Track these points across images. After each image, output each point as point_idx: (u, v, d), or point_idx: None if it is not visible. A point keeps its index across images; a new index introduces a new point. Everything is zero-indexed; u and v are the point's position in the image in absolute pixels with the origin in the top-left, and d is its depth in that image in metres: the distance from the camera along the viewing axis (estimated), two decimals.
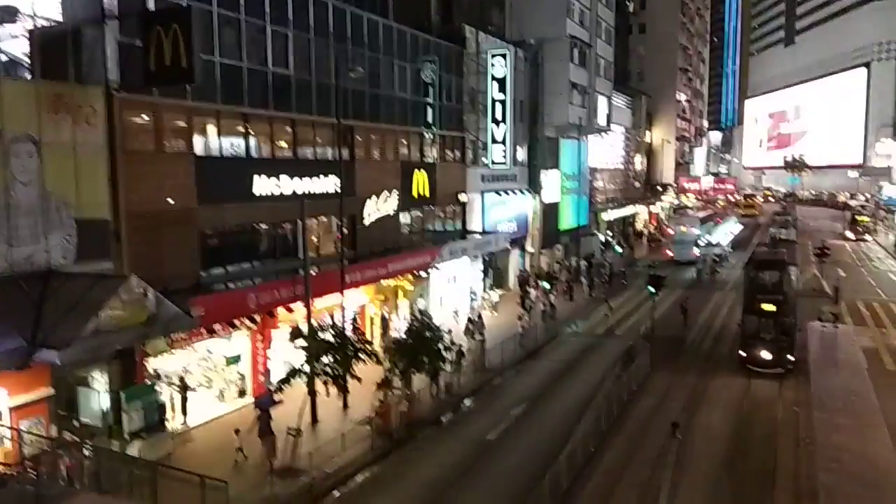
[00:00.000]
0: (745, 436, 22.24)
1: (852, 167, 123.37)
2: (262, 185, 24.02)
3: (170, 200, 20.91)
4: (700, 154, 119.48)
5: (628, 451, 20.99)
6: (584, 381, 27.50)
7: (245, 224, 24.19)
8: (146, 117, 20.73)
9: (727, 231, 74.36)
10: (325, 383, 21.18)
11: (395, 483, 19.23)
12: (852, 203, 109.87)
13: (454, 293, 36.42)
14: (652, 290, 32.16)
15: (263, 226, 25.09)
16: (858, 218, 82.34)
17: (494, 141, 40.98)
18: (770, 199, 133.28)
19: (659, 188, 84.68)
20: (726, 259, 58.54)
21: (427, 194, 34.13)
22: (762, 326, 27.55)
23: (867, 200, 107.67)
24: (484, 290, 39.90)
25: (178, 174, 21.30)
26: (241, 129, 23.84)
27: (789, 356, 27.08)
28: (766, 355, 27.14)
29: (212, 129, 22.85)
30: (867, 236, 77.42)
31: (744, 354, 27.90)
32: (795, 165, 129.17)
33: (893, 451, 18.44)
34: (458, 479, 19.29)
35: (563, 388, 26.89)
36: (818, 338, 29.93)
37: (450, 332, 25.91)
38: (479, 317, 33.03)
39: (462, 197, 37.56)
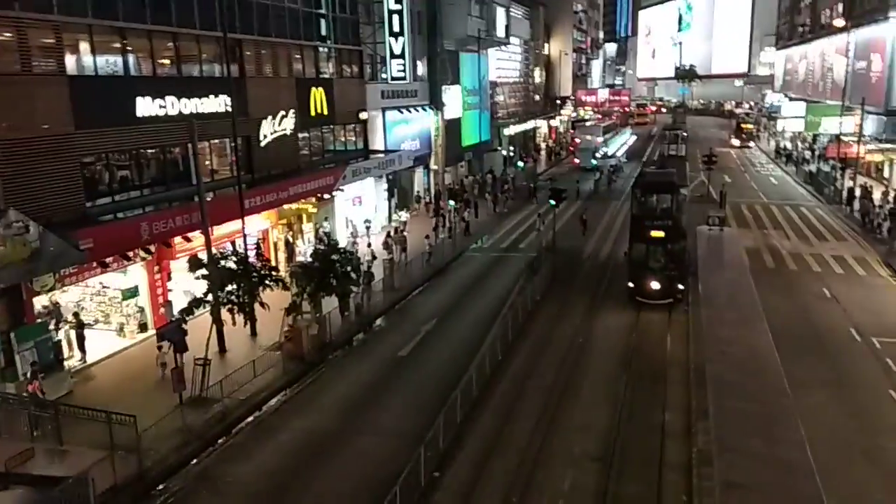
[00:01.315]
0: (643, 331, 23.62)
1: (738, 76, 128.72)
2: (146, 107, 22.46)
3: (44, 126, 19.25)
4: (597, 66, 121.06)
5: (533, 358, 21.91)
6: (490, 295, 28.22)
7: (131, 149, 22.69)
8: (9, 34, 18.71)
9: (622, 142, 76.67)
10: (231, 312, 20.73)
11: (309, 405, 19.36)
12: (738, 111, 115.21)
13: (360, 214, 36.03)
14: (553, 202, 32.93)
15: (151, 151, 23.63)
16: (743, 126, 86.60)
17: (393, 55, 39.83)
18: (662, 109, 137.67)
19: (558, 101, 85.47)
20: (621, 170, 60.64)
21: (325, 113, 33.02)
22: (650, 255, 25.54)
23: (751, 108, 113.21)
24: (394, 210, 39.80)
25: (50, 97, 19.56)
26: (117, 45, 21.99)
27: (680, 285, 25.51)
28: (655, 285, 25.27)
29: (85, 47, 20.96)
30: (751, 143, 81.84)
31: (632, 285, 25.98)
32: (685, 76, 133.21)
33: (771, 341, 20.14)
34: (372, 396, 19.63)
35: (471, 303, 27.52)
36: (706, 240, 31.82)
37: (356, 251, 25.73)
38: (398, 230, 33.36)
39: (362, 115, 36.61)
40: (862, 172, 45.71)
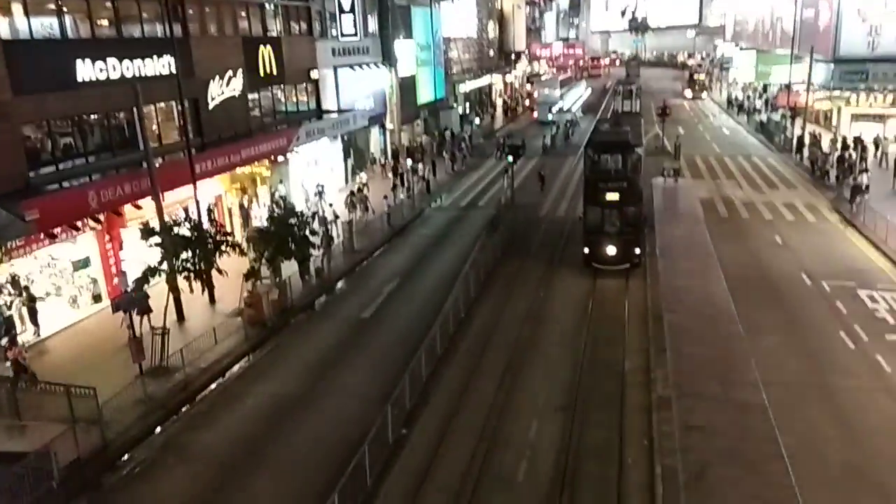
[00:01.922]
0: (603, 285, 23.98)
1: (690, 27, 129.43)
2: (87, 70, 21.53)
3: None
4: (550, 19, 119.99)
5: (496, 313, 22.09)
6: (451, 253, 28.25)
7: (73, 115, 21.83)
8: None
9: (577, 96, 76.76)
10: (188, 279, 20.34)
11: (274, 369, 19.25)
12: (690, 63, 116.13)
13: (316, 176, 35.45)
14: (510, 159, 32.91)
15: (95, 116, 22.77)
16: (696, 77, 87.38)
17: (342, 10, 38.77)
18: (616, 62, 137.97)
19: (512, 56, 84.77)
20: (577, 124, 60.78)
21: (275, 72, 32.14)
22: (606, 218, 24.21)
23: (703, 59, 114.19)
24: (350, 171, 39.33)
25: None
26: (51, 6, 20.93)
27: (636, 249, 24.45)
28: (610, 250, 24.19)
29: (17, 8, 19.91)
30: (703, 94, 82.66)
31: (587, 251, 24.70)
32: (638, 28, 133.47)
33: (726, 288, 20.67)
34: (337, 358, 19.60)
35: (433, 262, 27.52)
36: (661, 192, 32.29)
37: (314, 215, 25.40)
38: (360, 190, 33.06)
39: (314, 73, 35.76)
40: (811, 121, 46.65)
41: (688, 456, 13.03)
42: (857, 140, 37.57)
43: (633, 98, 54.82)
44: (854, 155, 36.13)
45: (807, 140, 43.28)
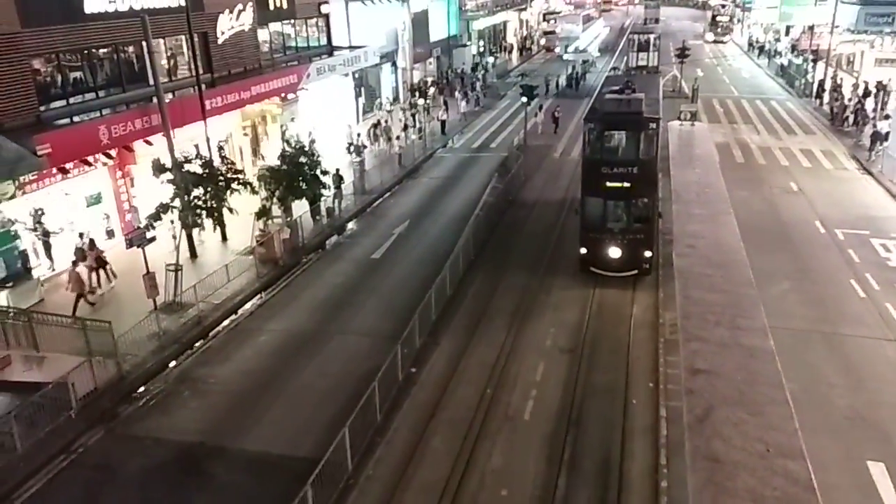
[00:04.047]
0: None
1: None
2: (95, 2, 21.13)
3: None
4: None
5: (503, 257, 22.13)
6: (463, 195, 28.12)
7: (82, 49, 21.54)
8: None
9: (594, 35, 74.97)
10: (200, 216, 20.40)
11: (285, 307, 19.49)
12: (713, 2, 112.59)
13: (327, 114, 35.08)
14: (525, 99, 32.38)
15: (104, 50, 22.47)
16: (718, 18, 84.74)
17: None
18: (635, 1, 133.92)
19: None
20: (594, 64, 59.52)
21: (285, 5, 31.46)
22: (609, 213, 19.55)
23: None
24: (363, 110, 38.94)
25: None
26: None
27: (647, 252, 19.57)
28: (614, 253, 19.49)
29: None
30: (725, 38, 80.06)
31: (584, 252, 19.94)
32: None
33: (738, 235, 20.52)
34: (347, 298, 19.79)
35: (443, 204, 27.43)
36: (677, 136, 31.78)
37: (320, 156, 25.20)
38: (359, 135, 32.85)
39: (324, 8, 34.98)
40: (832, 65, 45.46)
41: (693, 399, 13.20)
42: (880, 85, 36.65)
43: (651, 50, 45.96)
44: (875, 101, 35.32)
45: (828, 85, 42.26)
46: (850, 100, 38.66)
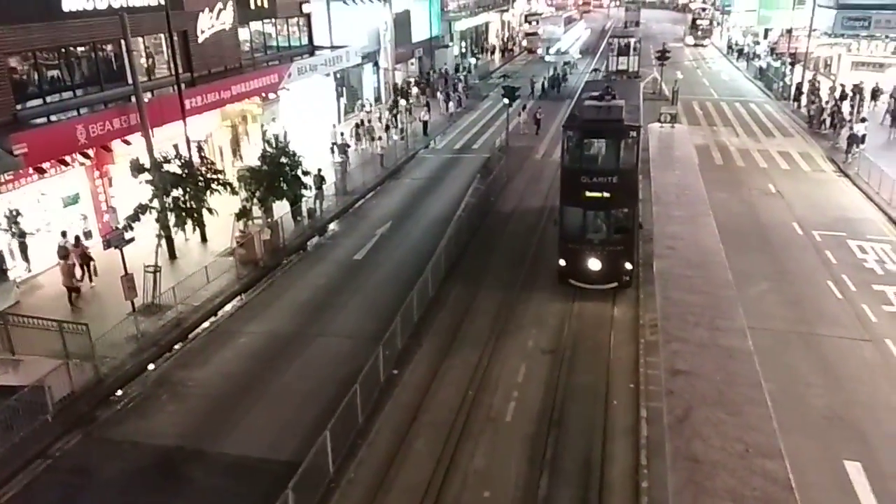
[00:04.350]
0: None
1: None
2: (73, 0, 20.87)
3: None
4: None
5: (486, 257, 22.14)
6: (445, 197, 28.12)
7: (59, 47, 21.25)
8: None
9: (576, 37, 75.33)
10: (178, 218, 20.19)
11: (266, 309, 19.35)
12: (693, 6, 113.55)
13: (308, 114, 34.91)
14: (507, 100, 32.45)
15: (82, 48, 22.18)
16: (698, 21, 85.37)
17: None
18: (615, 2, 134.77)
19: None
20: (575, 66, 59.79)
21: (266, 4, 31.29)
22: (588, 223, 19.16)
23: (704, 2, 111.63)
24: (343, 111, 38.75)
25: None
26: None
27: (627, 264, 19.20)
28: (594, 265, 19.06)
29: None
30: (706, 41, 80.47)
31: (563, 264, 19.52)
32: None
33: (717, 236, 20.69)
34: (329, 299, 19.69)
35: (426, 205, 27.41)
36: (657, 138, 31.98)
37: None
38: (343, 135, 32.78)
39: (305, 7, 34.82)
40: (810, 68, 46.05)
41: (673, 399, 13.29)
42: (856, 88, 37.18)
43: (631, 55, 44.93)
44: (852, 104, 35.84)
45: (805, 88, 42.80)
46: (827, 102, 39.18)
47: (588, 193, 18.76)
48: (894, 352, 16.27)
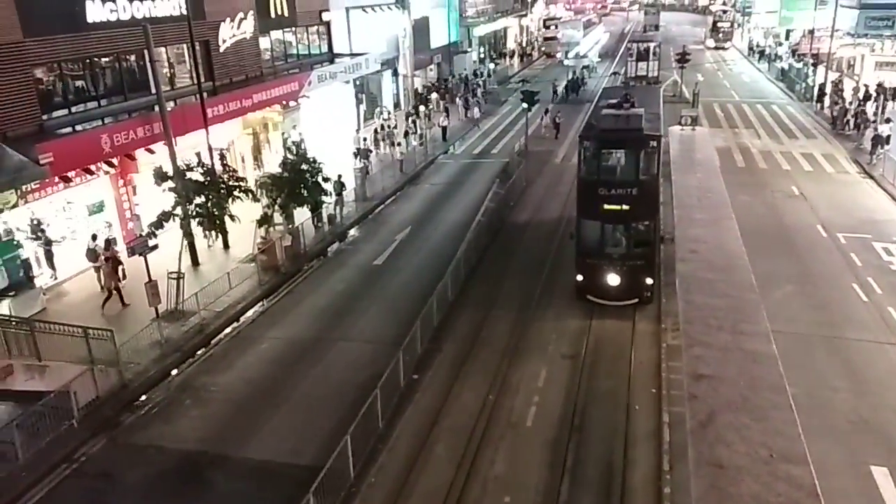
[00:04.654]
0: None
1: None
2: (97, 11, 21.23)
3: None
4: None
5: (505, 263, 22.11)
6: (464, 202, 28.12)
7: (84, 57, 21.63)
8: None
9: (595, 41, 75.13)
10: (202, 224, 20.45)
11: (287, 315, 19.48)
12: (713, 8, 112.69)
13: (328, 122, 35.15)
14: (525, 105, 32.45)
15: (106, 59, 22.56)
16: (719, 24, 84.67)
17: None
18: (635, 5, 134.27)
19: None
20: (594, 70, 59.63)
21: (286, 14, 31.58)
22: (607, 237, 18.39)
23: (725, 3, 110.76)
24: (363, 118, 39.00)
25: None
26: None
27: (648, 279, 18.48)
28: (612, 280, 18.31)
29: None
30: (727, 44, 79.64)
31: (580, 279, 18.90)
32: None
33: (740, 239, 20.53)
34: (349, 304, 19.78)
35: (445, 210, 27.43)
36: (678, 141, 31.82)
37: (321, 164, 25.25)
38: (365, 140, 33.02)
39: (325, 16, 35.11)
40: (833, 69, 45.49)
41: (695, 404, 13.18)
42: (880, 88, 36.65)
43: (651, 60, 43.26)
44: (876, 105, 35.34)
45: (828, 89, 42.28)
46: (850, 103, 38.67)
47: (606, 206, 18.04)
48: None
